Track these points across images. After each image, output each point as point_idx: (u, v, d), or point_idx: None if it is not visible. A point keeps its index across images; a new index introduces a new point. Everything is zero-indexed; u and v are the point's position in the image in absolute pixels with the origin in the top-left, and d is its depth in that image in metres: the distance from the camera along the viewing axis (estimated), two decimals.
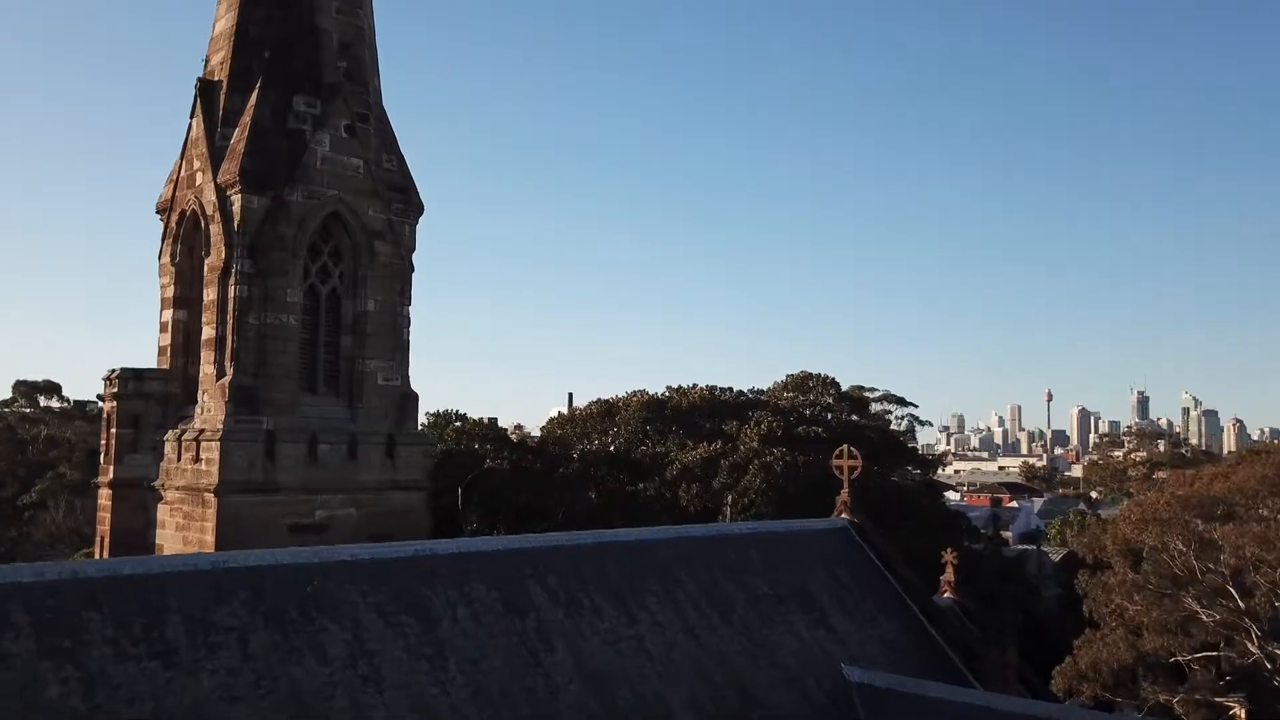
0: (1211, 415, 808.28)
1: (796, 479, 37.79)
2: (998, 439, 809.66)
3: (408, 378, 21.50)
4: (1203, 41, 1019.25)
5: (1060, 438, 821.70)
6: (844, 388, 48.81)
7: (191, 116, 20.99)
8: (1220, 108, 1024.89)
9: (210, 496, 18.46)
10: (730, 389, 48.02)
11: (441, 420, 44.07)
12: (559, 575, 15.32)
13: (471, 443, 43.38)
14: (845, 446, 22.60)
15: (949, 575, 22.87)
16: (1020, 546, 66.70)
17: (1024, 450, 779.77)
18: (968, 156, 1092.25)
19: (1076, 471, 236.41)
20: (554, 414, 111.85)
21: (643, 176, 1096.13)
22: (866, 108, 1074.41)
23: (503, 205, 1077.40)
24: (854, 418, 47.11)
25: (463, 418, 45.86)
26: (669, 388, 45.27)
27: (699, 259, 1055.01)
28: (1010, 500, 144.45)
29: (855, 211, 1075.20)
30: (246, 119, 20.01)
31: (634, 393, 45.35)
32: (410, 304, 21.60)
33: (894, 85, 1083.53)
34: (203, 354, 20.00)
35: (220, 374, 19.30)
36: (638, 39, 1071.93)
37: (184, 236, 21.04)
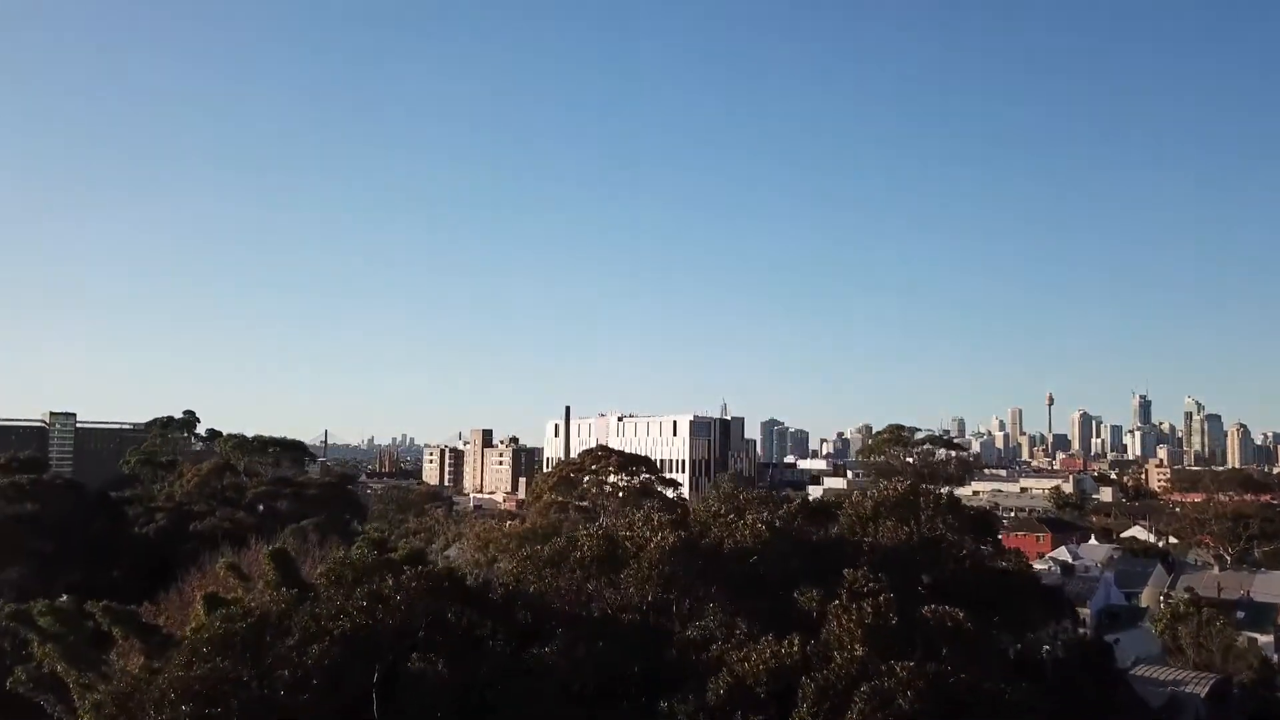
0: (1214, 420, 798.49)
1: (932, 710, 22.01)
2: (999, 443, 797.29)
3: None
4: (1203, 43, 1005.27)
5: (1061, 441, 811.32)
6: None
7: None
8: (1225, 108, 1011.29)
9: None
10: (786, 504, 32.16)
11: (346, 574, 27.95)
12: None
13: (393, 599, 27.45)
14: None
15: None
16: (1149, 678, 50.29)
17: (1025, 453, 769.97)
18: (967, 155, 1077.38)
19: (1105, 495, 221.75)
20: (543, 477, 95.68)
21: (643, 181, 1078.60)
22: (865, 104, 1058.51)
23: (503, 204, 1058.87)
24: (982, 547, 31.29)
25: (387, 554, 29.94)
26: (703, 508, 29.42)
27: (692, 267, 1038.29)
28: (1053, 546, 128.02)
29: (854, 211, 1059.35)
30: None
31: (655, 523, 29.36)
32: None
33: (892, 81, 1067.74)
34: None
35: None
36: (676, 38, 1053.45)
37: None
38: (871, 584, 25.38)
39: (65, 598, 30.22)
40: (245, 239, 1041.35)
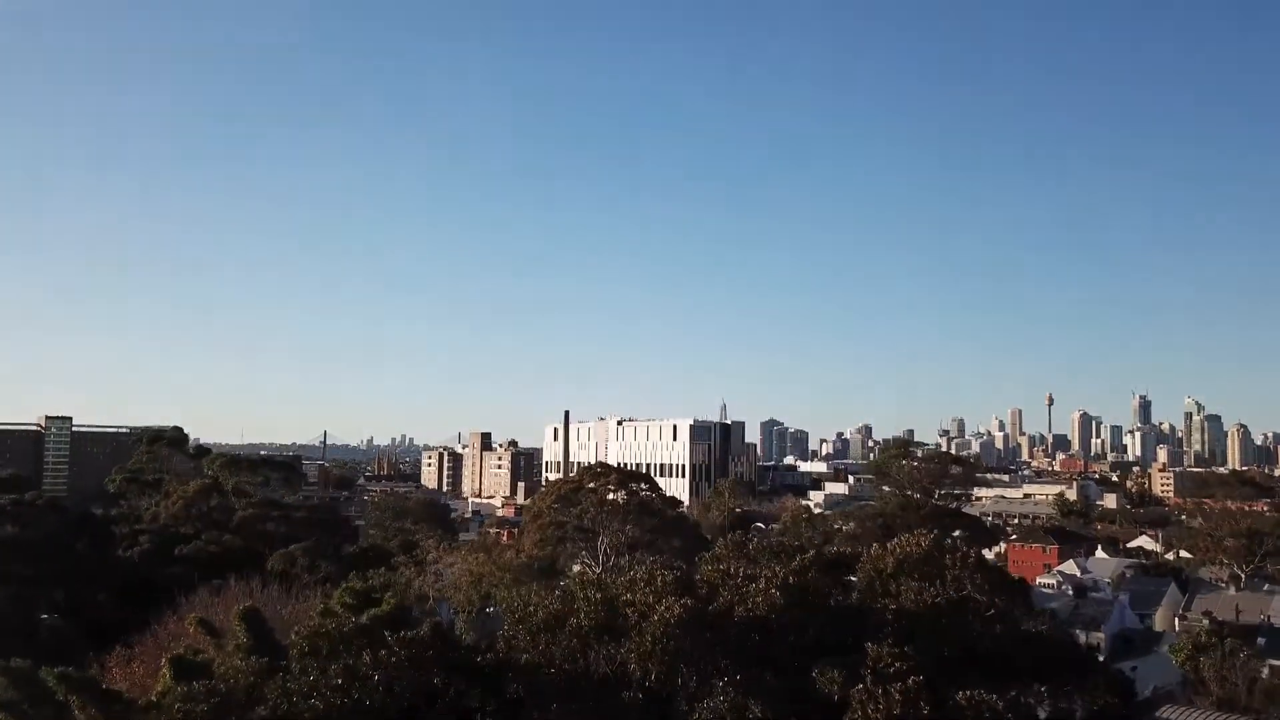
0: (1214, 420, 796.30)
1: None
2: (999, 443, 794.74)
3: None
4: (1203, 41, 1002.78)
5: (1061, 441, 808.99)
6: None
7: None
8: (1225, 106, 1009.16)
9: None
10: (800, 555, 29.73)
11: (322, 644, 25.62)
12: None
13: (371, 679, 25.11)
14: None
15: None
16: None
17: (1025, 453, 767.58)
18: (966, 154, 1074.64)
19: (1109, 501, 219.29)
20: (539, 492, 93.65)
21: (644, 181, 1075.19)
22: (864, 104, 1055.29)
23: (502, 205, 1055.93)
24: (1004, 605, 28.84)
25: (370, 604, 27.60)
26: (708, 567, 27.07)
27: (692, 267, 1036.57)
28: (1060, 559, 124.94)
29: (853, 211, 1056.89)
30: None
31: (659, 585, 26.98)
32: None
33: (892, 80, 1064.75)
34: None
35: None
36: (671, 39, 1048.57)
37: None
38: (898, 664, 23.00)
39: (16, 662, 27.78)
40: (245, 240, 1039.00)
